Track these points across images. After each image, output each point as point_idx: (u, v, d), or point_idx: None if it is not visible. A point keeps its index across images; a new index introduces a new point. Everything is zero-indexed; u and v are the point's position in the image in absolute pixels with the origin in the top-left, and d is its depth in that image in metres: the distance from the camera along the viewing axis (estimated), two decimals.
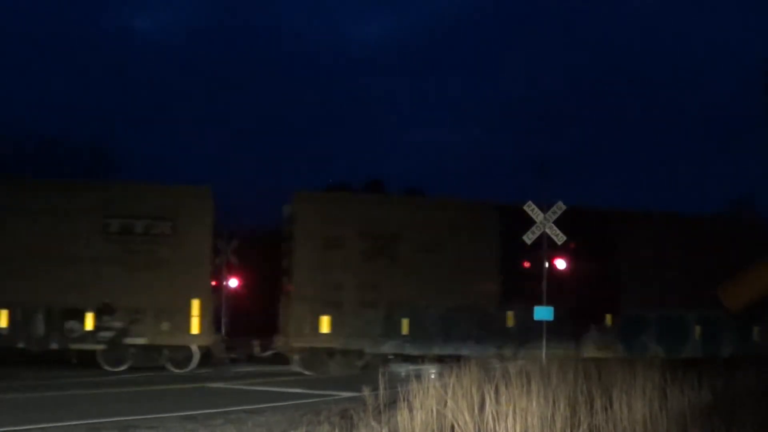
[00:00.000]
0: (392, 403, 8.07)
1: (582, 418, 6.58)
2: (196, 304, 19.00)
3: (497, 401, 6.66)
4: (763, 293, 21.34)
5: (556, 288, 18.30)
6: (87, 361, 19.34)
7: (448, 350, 19.20)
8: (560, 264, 21.00)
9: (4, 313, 18.48)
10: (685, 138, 73.28)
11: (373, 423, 7.44)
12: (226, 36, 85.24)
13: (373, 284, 19.76)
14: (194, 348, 19.22)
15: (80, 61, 68.15)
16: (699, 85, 75.84)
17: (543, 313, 17.08)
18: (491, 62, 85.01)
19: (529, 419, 6.34)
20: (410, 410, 7.08)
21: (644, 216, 23.29)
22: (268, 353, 21.34)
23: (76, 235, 18.87)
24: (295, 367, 19.49)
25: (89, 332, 18.64)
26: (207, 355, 20.31)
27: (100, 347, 18.84)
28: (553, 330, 17.62)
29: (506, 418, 6.32)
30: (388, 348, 19.45)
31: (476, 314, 20.00)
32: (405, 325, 19.71)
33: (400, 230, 20.17)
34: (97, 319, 18.74)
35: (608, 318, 21.32)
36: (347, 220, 20.09)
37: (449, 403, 6.92)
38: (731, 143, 65.18)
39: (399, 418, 7.09)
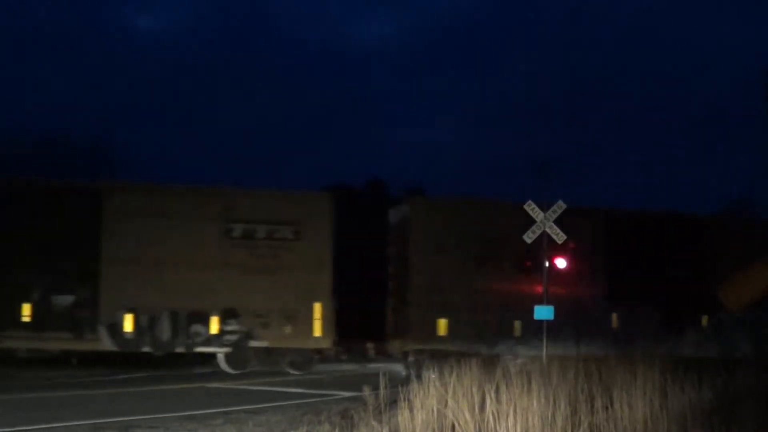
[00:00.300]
0: (393, 403, 8.08)
1: (582, 417, 6.59)
2: (317, 308, 19.33)
3: (498, 400, 6.67)
4: (764, 292, 21.32)
5: (654, 290, 19.74)
6: (87, 361, 19.37)
7: (557, 351, 19.63)
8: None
9: (130, 317, 18.72)
10: (685, 137, 73.26)
11: (374, 423, 7.44)
12: (226, 36, 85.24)
13: (487, 288, 20.25)
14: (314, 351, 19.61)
15: (80, 60, 68.08)
16: (699, 84, 75.83)
17: (543, 312, 17.10)
18: (492, 61, 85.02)
19: (530, 418, 6.35)
20: (411, 410, 7.09)
21: (733, 220, 24.92)
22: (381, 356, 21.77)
23: (200, 240, 19.18)
24: (404, 370, 19.58)
25: (214, 336, 18.96)
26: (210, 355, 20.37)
27: (224, 350, 19.10)
28: (650, 331, 18.31)
29: (507, 417, 6.32)
30: (501, 349, 19.75)
31: (582, 316, 20.43)
32: (517, 328, 20.29)
33: (510, 235, 20.24)
34: (222, 322, 19.02)
35: (704, 319, 21.92)
36: (462, 224, 20.54)
37: (450, 402, 6.92)
38: (731, 142, 65.16)
39: (400, 417, 7.10)
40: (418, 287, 20.09)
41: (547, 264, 17.67)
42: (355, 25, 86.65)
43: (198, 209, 19.42)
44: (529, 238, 17.26)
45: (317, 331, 19.24)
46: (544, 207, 17.18)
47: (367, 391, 8.39)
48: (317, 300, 19.34)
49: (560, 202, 17.05)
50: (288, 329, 19.13)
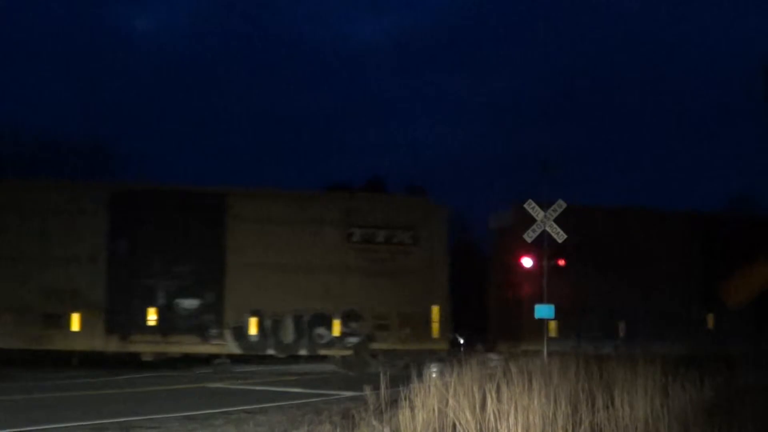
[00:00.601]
0: (394, 402, 8.07)
1: (583, 416, 6.58)
2: (435, 310, 19.88)
3: (499, 400, 6.66)
4: (763, 289, 21.41)
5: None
6: (87, 362, 19.36)
7: (658, 350, 20.22)
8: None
9: (254, 320, 19.29)
10: (685, 135, 73.27)
11: (375, 422, 7.43)
12: (226, 35, 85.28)
13: (593, 290, 21.11)
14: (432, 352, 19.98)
15: (80, 61, 68.07)
16: (700, 81, 75.85)
17: (544, 311, 17.14)
18: (492, 60, 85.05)
19: (531, 417, 6.34)
20: (412, 409, 7.08)
21: None
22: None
23: (322, 245, 19.79)
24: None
25: (336, 338, 19.48)
26: (210, 356, 20.36)
27: (347, 353, 19.53)
28: (734, 331, 19.52)
29: (508, 416, 6.32)
30: (606, 349, 20.05)
31: (682, 317, 21.52)
32: (621, 328, 21.26)
33: (617, 239, 21.61)
34: (344, 325, 19.56)
35: None
36: (571, 230, 21.06)
37: (451, 401, 6.92)
38: (731, 140, 65.14)
39: (401, 417, 7.09)
40: (528, 293, 20.74)
41: (546, 263, 17.67)
42: (355, 24, 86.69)
43: (320, 214, 20.02)
44: (529, 237, 17.29)
45: (435, 333, 19.78)
46: (545, 206, 17.20)
47: (367, 391, 8.39)
48: (435, 303, 19.93)
49: (560, 201, 17.07)
50: (407, 331, 19.65)
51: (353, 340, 19.53)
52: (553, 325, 20.32)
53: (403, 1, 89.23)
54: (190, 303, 19.19)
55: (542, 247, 17.80)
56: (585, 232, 20.84)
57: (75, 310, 18.86)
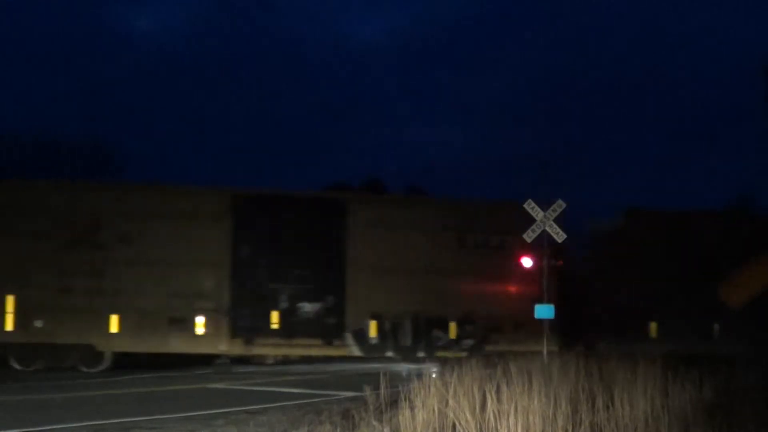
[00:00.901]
0: (394, 403, 8.08)
1: (583, 416, 6.58)
2: (372, 325, 20.22)
3: (498, 400, 6.66)
4: (763, 288, 21.47)
5: None
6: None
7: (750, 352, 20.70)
8: None
9: (374, 324, 19.79)
10: (684, 135, 73.25)
11: (375, 422, 7.44)
12: (225, 36, 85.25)
13: (692, 293, 21.47)
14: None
15: (79, 61, 68.04)
16: (700, 81, 75.85)
17: (543, 311, 17.14)
18: (490, 60, 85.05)
19: (531, 418, 6.35)
20: (412, 409, 7.09)
21: None
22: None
23: (438, 249, 20.29)
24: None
25: (453, 340, 19.90)
26: (211, 356, 20.37)
27: (462, 355, 19.61)
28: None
29: (508, 416, 6.32)
30: (702, 350, 20.39)
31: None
32: (716, 329, 21.91)
33: (713, 244, 22.02)
34: (460, 327, 20.06)
35: None
36: (670, 235, 22.05)
37: (451, 402, 6.92)
38: (731, 140, 65.16)
39: (401, 417, 7.10)
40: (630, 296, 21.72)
41: (546, 263, 17.67)
42: (355, 24, 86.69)
43: (436, 219, 20.58)
44: (529, 237, 17.27)
45: (546, 334, 20.05)
46: (544, 206, 17.20)
47: (367, 391, 8.40)
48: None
49: (560, 201, 17.06)
50: (519, 334, 19.98)
51: (468, 342, 20.03)
52: (653, 326, 21.45)
53: (402, 1, 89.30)
54: (311, 307, 19.76)
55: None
56: (684, 237, 21.78)
57: (200, 314, 19.31)
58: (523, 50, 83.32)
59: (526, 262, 20.10)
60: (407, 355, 19.95)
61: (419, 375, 7.93)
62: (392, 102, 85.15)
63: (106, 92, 65.23)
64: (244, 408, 11.13)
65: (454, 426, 6.71)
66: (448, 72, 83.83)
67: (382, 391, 8.22)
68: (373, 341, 19.68)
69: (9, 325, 18.61)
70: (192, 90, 74.78)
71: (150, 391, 14.37)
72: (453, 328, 20.06)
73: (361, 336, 19.67)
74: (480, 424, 6.55)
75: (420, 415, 7.00)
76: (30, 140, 33.84)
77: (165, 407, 11.24)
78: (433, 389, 7.32)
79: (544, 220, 16.99)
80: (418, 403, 7.18)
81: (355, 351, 19.59)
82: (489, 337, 20.01)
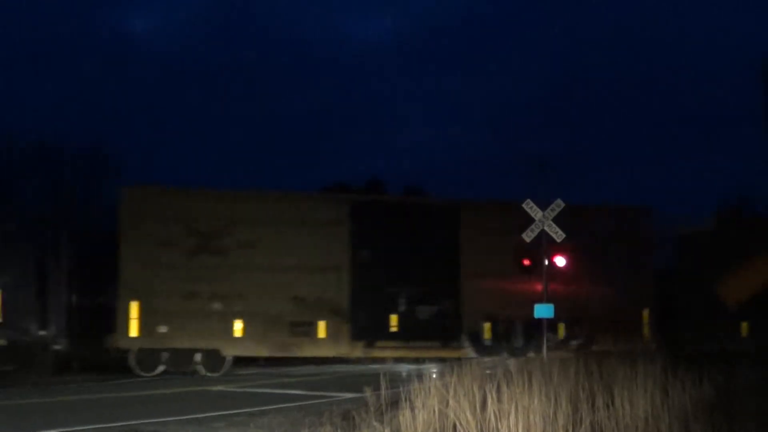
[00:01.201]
0: (394, 404, 8.08)
1: (584, 415, 6.58)
2: (645, 314, 21.43)
3: (499, 400, 6.66)
4: (762, 288, 21.59)
5: None
6: (88, 366, 19.38)
7: None
8: None
9: (488, 326, 20.52)
10: (683, 135, 73.27)
11: (375, 423, 7.44)
12: (224, 37, 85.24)
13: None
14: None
15: (76, 64, 68.06)
16: (697, 80, 75.87)
17: (543, 311, 17.17)
18: (490, 60, 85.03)
19: (531, 417, 6.35)
20: (412, 410, 7.09)
21: None
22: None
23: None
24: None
25: (561, 341, 20.35)
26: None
27: (569, 355, 20.19)
28: None
29: (508, 416, 6.32)
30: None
31: None
32: (744, 328, 22.62)
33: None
34: (568, 328, 20.75)
35: None
36: (760, 238, 22.74)
37: (451, 402, 6.92)
38: (730, 139, 65.16)
39: (401, 418, 7.10)
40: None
41: (546, 262, 17.70)
42: (354, 25, 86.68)
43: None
44: (528, 236, 17.29)
45: (646, 334, 20.71)
46: (543, 206, 17.21)
47: (368, 392, 8.40)
48: (645, 306, 21.29)
49: (558, 201, 17.08)
50: (622, 334, 20.21)
51: (575, 342, 20.49)
52: (745, 325, 22.15)
53: (402, 1, 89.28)
54: (428, 310, 20.39)
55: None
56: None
57: (321, 318, 19.75)
58: (522, 50, 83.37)
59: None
60: (519, 356, 20.41)
61: (419, 376, 7.92)
62: (392, 103, 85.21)
63: (103, 96, 65.24)
64: (244, 410, 11.14)
65: (454, 426, 6.71)
66: (448, 72, 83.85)
67: (383, 392, 8.21)
68: (487, 343, 20.36)
69: (133, 331, 18.93)
70: (191, 91, 74.73)
71: (152, 394, 14.39)
72: (561, 329, 20.69)
73: (476, 338, 20.35)
74: (480, 424, 6.55)
75: (420, 416, 7.00)
76: (28, 143, 33.71)
77: (167, 410, 11.26)
78: (433, 390, 7.32)
79: (543, 220, 17.00)
80: (418, 403, 7.18)
81: (471, 353, 19.97)
82: (594, 337, 20.25)
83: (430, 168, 65.95)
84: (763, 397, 7.38)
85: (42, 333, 19.60)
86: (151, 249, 19.15)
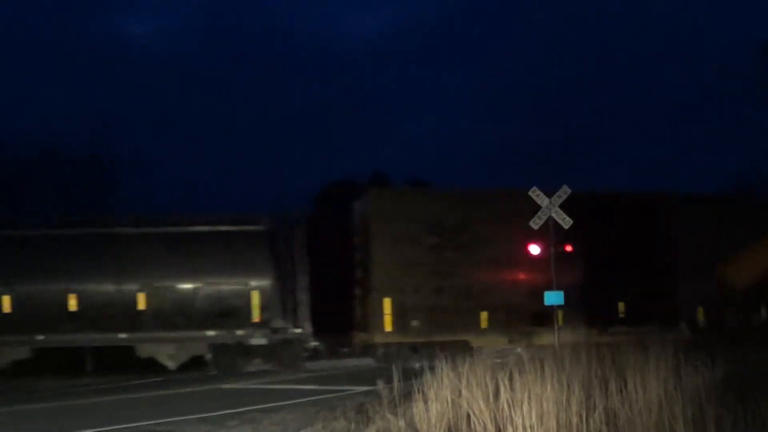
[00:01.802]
0: (407, 395, 8.09)
1: (597, 401, 6.59)
2: (700, 311, 22.26)
3: (512, 388, 6.67)
4: (763, 272, 21.56)
5: None
6: (101, 367, 19.43)
7: None
8: None
9: (701, 310, 21.88)
10: (686, 117, 72.93)
11: (389, 416, 7.46)
12: (224, 35, 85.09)
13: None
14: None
15: (75, 68, 68.07)
16: (698, 61, 75.46)
17: (553, 297, 17.18)
18: (494, 51, 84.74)
19: (545, 404, 6.36)
20: (425, 401, 7.11)
21: None
22: None
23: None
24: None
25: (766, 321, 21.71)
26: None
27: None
28: None
29: (521, 404, 6.33)
30: None
31: None
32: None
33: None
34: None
35: None
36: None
37: (464, 392, 6.94)
38: (731, 120, 64.81)
39: (415, 409, 7.12)
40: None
41: (554, 250, 17.65)
42: (356, 16, 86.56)
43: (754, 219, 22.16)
44: (535, 224, 17.27)
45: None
46: (549, 193, 17.19)
47: (381, 385, 8.42)
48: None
49: (565, 187, 17.05)
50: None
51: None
52: None
53: None
54: (649, 296, 21.56)
55: None
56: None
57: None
58: (526, 41, 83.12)
59: None
60: (731, 336, 21.11)
61: (431, 367, 7.94)
62: (393, 96, 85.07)
63: (103, 100, 65.14)
64: (257, 407, 11.17)
65: (468, 416, 6.73)
66: (449, 64, 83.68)
67: (396, 384, 8.23)
68: (702, 325, 21.43)
69: (388, 326, 19.79)
70: (191, 91, 74.69)
71: (164, 395, 14.41)
72: (764, 310, 22.17)
73: (691, 322, 21.37)
74: (494, 413, 6.57)
75: (434, 407, 7.02)
76: (27, 147, 33.75)
77: (179, 409, 11.28)
78: (446, 380, 7.33)
79: (550, 207, 16.97)
80: (431, 394, 7.20)
81: (687, 336, 20.52)
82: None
83: (436, 159, 65.97)
84: None
85: (296, 331, 19.82)
86: (399, 247, 20.19)
